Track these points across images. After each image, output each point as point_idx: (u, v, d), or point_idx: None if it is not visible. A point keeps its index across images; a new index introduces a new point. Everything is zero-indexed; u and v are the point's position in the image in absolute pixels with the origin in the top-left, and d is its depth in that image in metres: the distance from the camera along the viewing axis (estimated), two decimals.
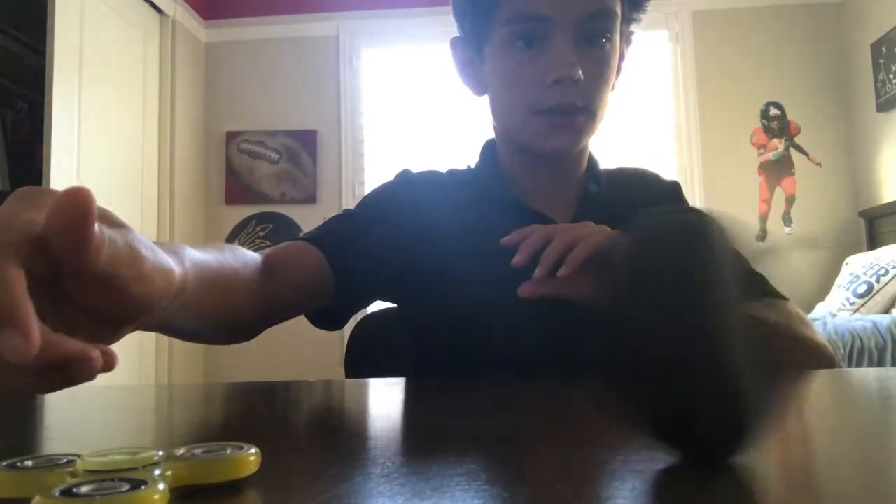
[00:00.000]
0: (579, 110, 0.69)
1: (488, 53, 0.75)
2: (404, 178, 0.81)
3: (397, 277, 0.76)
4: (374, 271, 0.72)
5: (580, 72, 0.67)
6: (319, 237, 0.72)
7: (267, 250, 0.67)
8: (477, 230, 0.73)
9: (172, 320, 0.42)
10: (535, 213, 0.75)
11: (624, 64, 0.79)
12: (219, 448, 0.25)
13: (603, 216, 0.72)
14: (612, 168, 0.85)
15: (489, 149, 0.82)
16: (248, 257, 0.58)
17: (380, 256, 0.72)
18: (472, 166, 0.84)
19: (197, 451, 0.24)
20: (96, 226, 0.27)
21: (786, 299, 0.68)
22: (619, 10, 0.72)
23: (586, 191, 0.78)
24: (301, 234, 0.74)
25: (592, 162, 0.81)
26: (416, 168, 0.83)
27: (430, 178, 0.81)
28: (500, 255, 0.72)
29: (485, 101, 0.79)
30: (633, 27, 0.78)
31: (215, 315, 0.50)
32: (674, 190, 0.84)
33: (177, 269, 0.35)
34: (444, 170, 0.84)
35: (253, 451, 0.25)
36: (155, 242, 0.35)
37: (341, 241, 0.72)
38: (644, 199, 0.77)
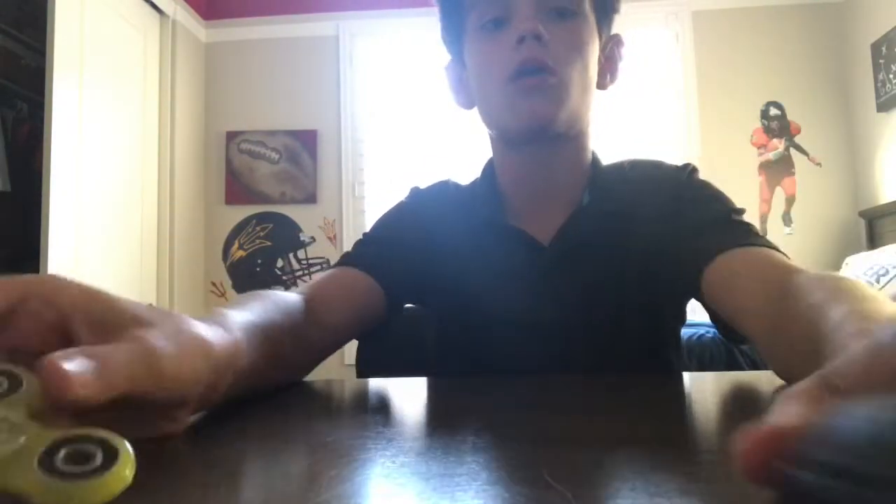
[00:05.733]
0: (549, 70, 0.68)
1: (467, 54, 0.76)
2: (413, 198, 0.83)
3: (419, 294, 0.80)
4: (410, 284, 0.76)
5: (541, 28, 0.67)
6: (362, 259, 0.74)
7: (308, 287, 0.67)
8: (469, 253, 0.76)
9: (234, 388, 0.41)
10: (517, 231, 0.75)
11: (621, 66, 0.78)
12: (85, 456, 0.21)
13: (590, 230, 0.73)
14: (622, 163, 0.80)
15: (488, 166, 0.82)
16: (289, 303, 0.58)
17: (406, 270, 0.75)
18: (477, 178, 0.84)
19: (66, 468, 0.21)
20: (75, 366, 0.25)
21: None
22: None
23: (580, 202, 0.76)
24: (340, 260, 0.76)
25: (594, 169, 0.77)
26: (425, 182, 0.86)
27: (436, 196, 0.83)
28: (490, 277, 0.75)
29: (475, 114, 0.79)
30: (616, 25, 0.77)
31: (270, 372, 0.49)
32: (680, 182, 0.76)
33: (221, 342, 0.36)
34: (450, 180, 0.85)
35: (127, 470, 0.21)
36: (198, 318, 0.36)
37: (382, 258, 0.75)
38: (648, 204, 0.74)
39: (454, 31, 0.78)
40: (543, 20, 0.69)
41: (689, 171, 0.77)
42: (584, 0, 0.72)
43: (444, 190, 0.84)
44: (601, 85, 0.76)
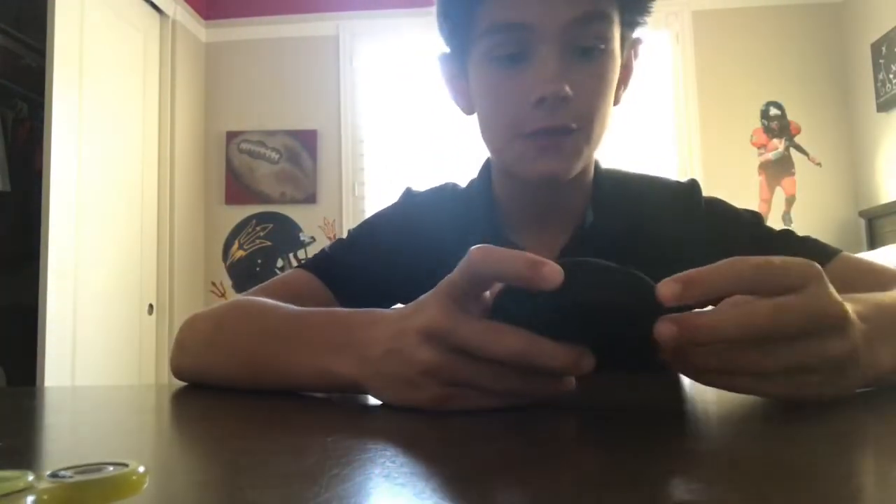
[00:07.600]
0: (571, 132, 0.62)
1: (471, 70, 0.68)
2: (406, 205, 0.79)
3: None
4: (376, 295, 0.71)
5: (567, 88, 0.59)
6: (319, 264, 0.74)
7: (258, 290, 0.68)
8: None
9: None
10: (517, 248, 0.72)
11: (631, 76, 0.71)
12: (96, 468, 0.21)
13: (594, 251, 0.69)
14: (620, 174, 0.76)
15: (485, 170, 0.77)
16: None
17: (380, 281, 0.72)
18: (475, 179, 0.80)
19: (68, 473, 0.21)
20: None
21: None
22: (614, 14, 0.63)
23: (583, 221, 0.71)
24: (301, 263, 0.75)
25: (597, 184, 0.73)
26: (419, 183, 0.82)
27: (432, 204, 0.78)
28: None
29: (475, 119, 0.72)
30: (639, 32, 0.70)
31: None
32: (687, 199, 0.74)
33: None
34: (449, 183, 0.81)
35: (140, 469, 0.21)
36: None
37: (342, 266, 0.73)
38: (654, 222, 0.71)
39: (456, 32, 0.69)
40: (566, 63, 0.61)
41: (697, 189, 0.75)
42: (613, 29, 0.63)
43: (441, 196, 0.79)
44: (616, 100, 0.68)
